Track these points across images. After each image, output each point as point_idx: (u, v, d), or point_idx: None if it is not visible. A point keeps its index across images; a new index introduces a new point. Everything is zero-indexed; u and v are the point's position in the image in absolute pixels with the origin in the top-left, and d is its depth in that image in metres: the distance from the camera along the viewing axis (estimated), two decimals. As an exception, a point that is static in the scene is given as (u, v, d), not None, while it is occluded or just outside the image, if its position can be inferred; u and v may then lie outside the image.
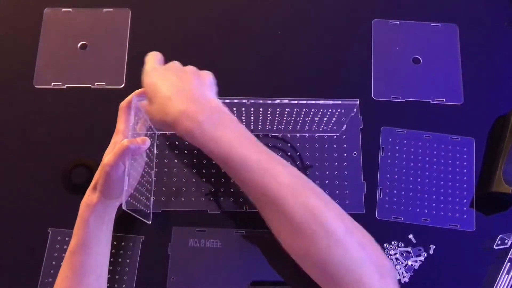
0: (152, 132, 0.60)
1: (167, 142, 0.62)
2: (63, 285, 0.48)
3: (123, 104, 0.53)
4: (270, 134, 0.62)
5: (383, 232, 0.59)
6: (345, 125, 0.60)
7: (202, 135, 0.43)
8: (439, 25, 0.69)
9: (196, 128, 0.43)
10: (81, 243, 0.49)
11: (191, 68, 0.48)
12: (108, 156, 0.48)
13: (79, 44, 0.66)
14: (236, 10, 0.69)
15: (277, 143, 0.62)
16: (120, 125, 0.53)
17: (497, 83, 0.66)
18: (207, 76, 0.48)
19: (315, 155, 0.62)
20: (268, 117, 0.56)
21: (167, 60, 0.48)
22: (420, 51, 0.67)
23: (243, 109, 0.53)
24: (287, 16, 0.69)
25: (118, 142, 0.50)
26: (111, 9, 0.68)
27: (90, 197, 0.50)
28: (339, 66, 0.67)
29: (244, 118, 0.57)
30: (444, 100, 0.65)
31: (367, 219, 0.60)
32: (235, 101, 0.50)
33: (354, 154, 0.62)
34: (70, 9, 0.68)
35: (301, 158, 0.61)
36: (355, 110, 0.53)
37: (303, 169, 0.61)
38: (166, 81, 0.45)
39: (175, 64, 0.49)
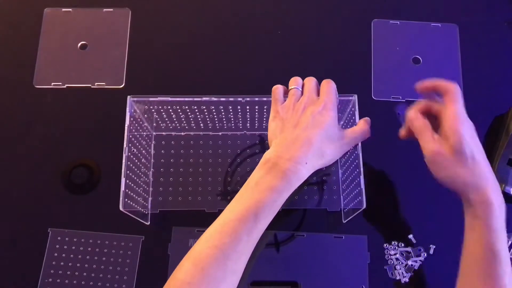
0: (149, 132, 0.60)
1: (163, 142, 0.62)
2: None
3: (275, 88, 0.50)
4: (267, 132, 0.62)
5: (383, 231, 0.59)
6: (341, 122, 0.60)
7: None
8: (439, 25, 0.69)
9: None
10: (263, 210, 0.41)
11: None
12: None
13: (79, 44, 0.66)
14: (236, 9, 0.69)
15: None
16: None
17: (497, 83, 0.66)
18: None
19: None
20: (264, 114, 0.56)
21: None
22: (420, 51, 0.67)
23: (239, 107, 0.53)
24: (287, 16, 0.69)
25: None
26: (111, 9, 0.68)
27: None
28: (339, 66, 0.67)
29: (240, 116, 0.57)
30: (444, 100, 0.65)
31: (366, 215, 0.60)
32: (231, 99, 0.50)
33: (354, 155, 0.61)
34: (70, 9, 0.68)
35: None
36: (350, 106, 0.53)
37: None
38: None
39: None
